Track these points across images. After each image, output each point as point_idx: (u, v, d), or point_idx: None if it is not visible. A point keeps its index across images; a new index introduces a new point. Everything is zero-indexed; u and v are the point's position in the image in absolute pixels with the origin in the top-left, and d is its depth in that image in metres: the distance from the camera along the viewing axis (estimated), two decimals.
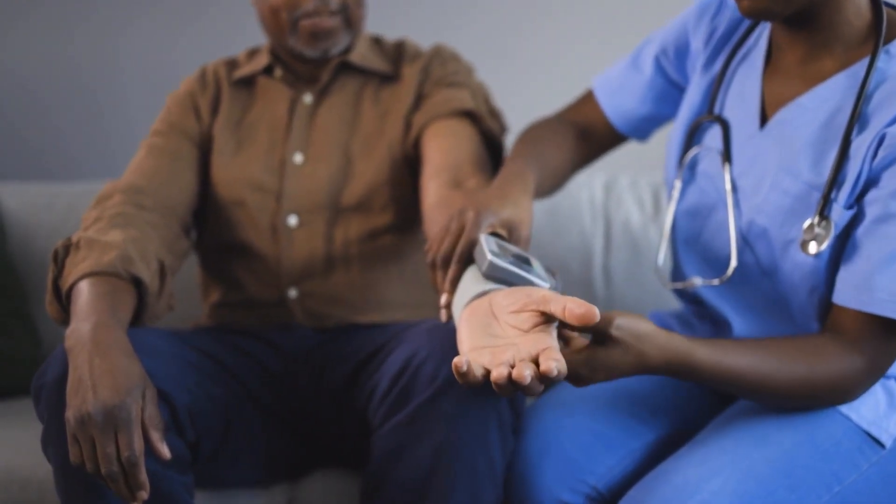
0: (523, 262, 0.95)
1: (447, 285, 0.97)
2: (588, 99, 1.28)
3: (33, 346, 1.64)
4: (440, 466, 1.01)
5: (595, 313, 0.78)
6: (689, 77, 1.18)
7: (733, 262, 1.05)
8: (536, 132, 1.24)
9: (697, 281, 1.11)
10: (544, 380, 0.76)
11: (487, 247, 0.92)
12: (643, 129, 1.26)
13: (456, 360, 0.75)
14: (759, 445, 0.98)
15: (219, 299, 1.36)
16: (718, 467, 0.96)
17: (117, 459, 0.94)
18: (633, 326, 0.88)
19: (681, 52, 1.18)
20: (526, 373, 0.74)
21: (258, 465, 1.24)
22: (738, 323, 1.11)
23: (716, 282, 1.09)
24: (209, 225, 1.35)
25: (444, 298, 0.98)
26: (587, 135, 1.27)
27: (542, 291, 0.82)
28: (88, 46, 1.99)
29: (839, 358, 0.96)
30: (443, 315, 0.99)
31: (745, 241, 1.06)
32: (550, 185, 1.21)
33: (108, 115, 2.02)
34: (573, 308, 0.78)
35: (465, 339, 0.83)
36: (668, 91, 1.22)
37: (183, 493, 1.06)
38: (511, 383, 0.76)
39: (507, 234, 1.00)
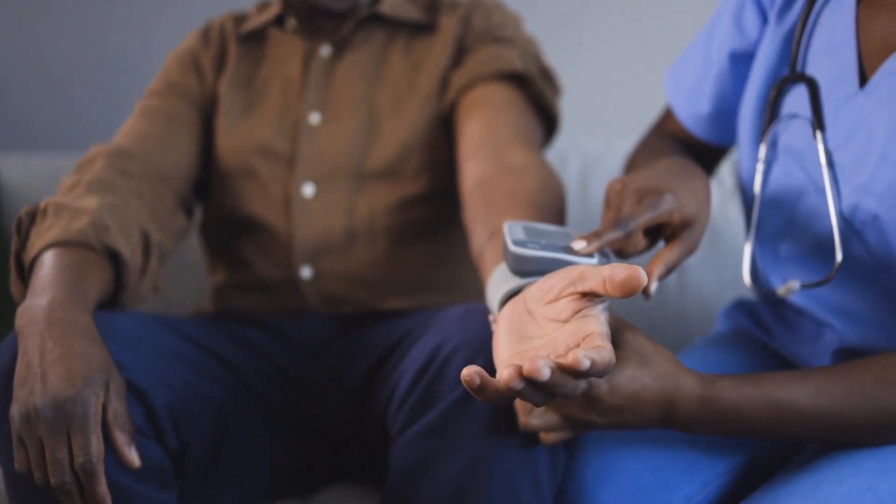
0: (561, 240, 0.81)
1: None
2: (669, 114, 1.13)
3: None
4: (473, 488, 0.85)
5: (642, 275, 0.61)
6: (757, 35, 0.98)
7: (838, 257, 0.87)
8: (653, 141, 1.09)
9: (795, 286, 0.92)
10: (580, 374, 0.59)
11: (510, 236, 0.79)
12: (733, 129, 1.06)
13: (464, 372, 0.59)
14: (886, 473, 0.82)
15: (223, 281, 1.24)
16: (835, 500, 0.80)
17: (70, 467, 0.81)
18: (621, 387, 0.79)
19: (742, 13, 0.99)
20: (539, 364, 0.57)
21: (261, 480, 1.10)
22: (848, 329, 0.91)
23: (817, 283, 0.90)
24: (213, 199, 1.24)
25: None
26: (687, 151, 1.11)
27: (578, 268, 0.68)
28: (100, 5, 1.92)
29: None
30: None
31: (850, 228, 0.87)
32: None
33: (119, 78, 1.92)
34: (614, 275, 0.63)
35: (499, 351, 0.72)
36: (741, 69, 1.02)
37: None
38: (533, 387, 0.60)
39: (680, 232, 0.83)
